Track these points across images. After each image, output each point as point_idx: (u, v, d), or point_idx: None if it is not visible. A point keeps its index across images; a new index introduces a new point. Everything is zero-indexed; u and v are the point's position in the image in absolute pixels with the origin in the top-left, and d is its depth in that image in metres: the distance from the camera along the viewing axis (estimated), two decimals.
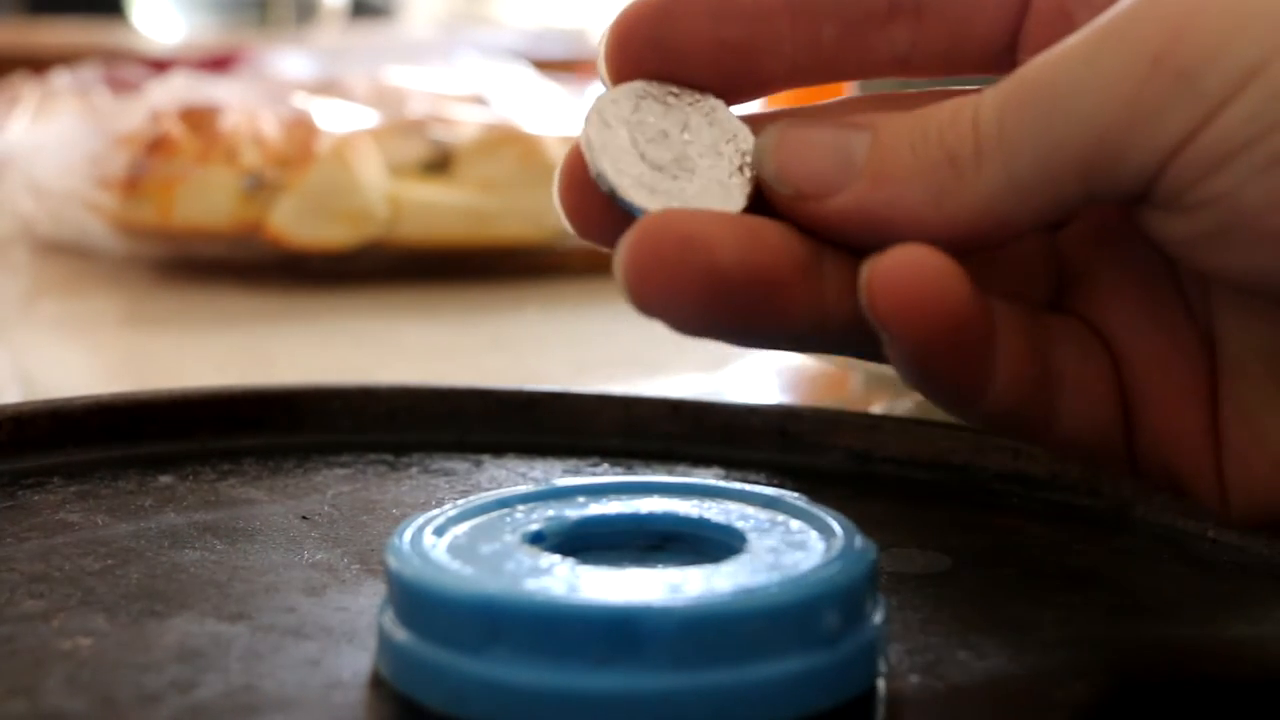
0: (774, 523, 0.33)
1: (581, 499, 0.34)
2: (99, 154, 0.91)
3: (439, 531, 0.32)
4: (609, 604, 0.29)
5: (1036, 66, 0.31)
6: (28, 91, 1.09)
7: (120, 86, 1.09)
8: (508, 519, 0.33)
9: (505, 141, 0.91)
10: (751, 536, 0.32)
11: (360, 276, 0.88)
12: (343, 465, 0.45)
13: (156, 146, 0.89)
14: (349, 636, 0.33)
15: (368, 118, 0.93)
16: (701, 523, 0.34)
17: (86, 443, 0.45)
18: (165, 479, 0.43)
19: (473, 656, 0.29)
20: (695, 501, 0.34)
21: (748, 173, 0.34)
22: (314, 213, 0.86)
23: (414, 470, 0.45)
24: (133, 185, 0.88)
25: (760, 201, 0.33)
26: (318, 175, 0.87)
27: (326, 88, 1.04)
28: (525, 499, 0.34)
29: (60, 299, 0.90)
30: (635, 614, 0.29)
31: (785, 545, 0.32)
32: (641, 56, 0.35)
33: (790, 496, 0.34)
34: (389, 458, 0.46)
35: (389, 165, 0.89)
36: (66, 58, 1.30)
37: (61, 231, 0.93)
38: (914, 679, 0.32)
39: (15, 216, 0.98)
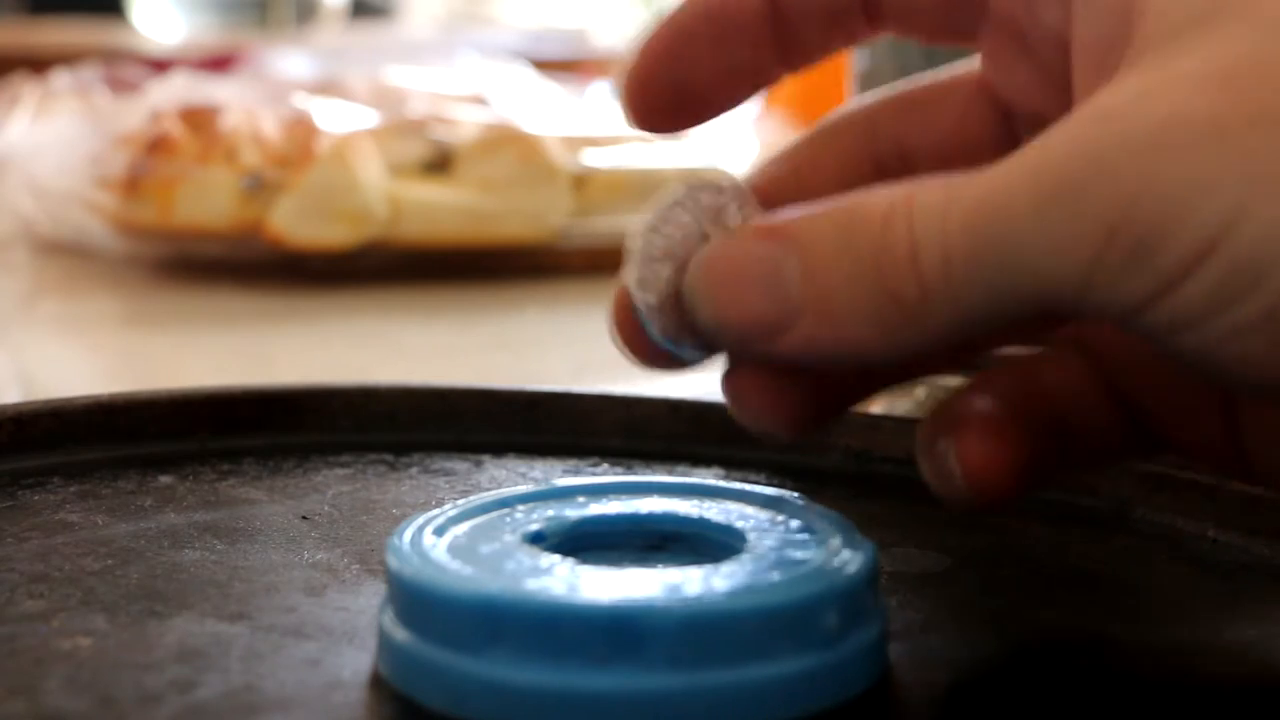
0: (774, 523, 0.33)
1: (582, 499, 0.34)
2: (99, 154, 0.91)
3: (439, 531, 0.32)
4: (609, 604, 0.29)
5: (980, 204, 0.30)
6: (28, 91, 1.09)
7: (120, 86, 1.09)
8: (508, 519, 0.33)
9: (505, 141, 0.91)
10: (752, 536, 0.32)
11: (360, 276, 0.88)
12: (343, 465, 0.45)
13: (156, 146, 0.89)
14: (349, 636, 0.33)
15: (368, 118, 0.93)
16: (702, 523, 0.34)
17: (86, 443, 0.45)
18: (165, 479, 0.43)
19: (473, 656, 0.29)
20: (695, 501, 0.34)
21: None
22: (314, 213, 0.86)
23: (414, 470, 0.45)
24: (133, 185, 0.88)
25: None
26: (318, 175, 0.87)
27: (326, 88, 1.04)
28: (525, 499, 0.34)
29: (60, 299, 0.91)
30: (635, 614, 0.29)
31: (785, 545, 0.32)
32: (658, 100, 0.36)
33: (790, 496, 0.34)
34: (389, 458, 0.46)
35: (389, 165, 0.89)
36: (66, 58, 1.30)
37: (61, 231, 0.93)
38: (914, 679, 0.32)
39: (15, 216, 0.98)
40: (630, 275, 0.33)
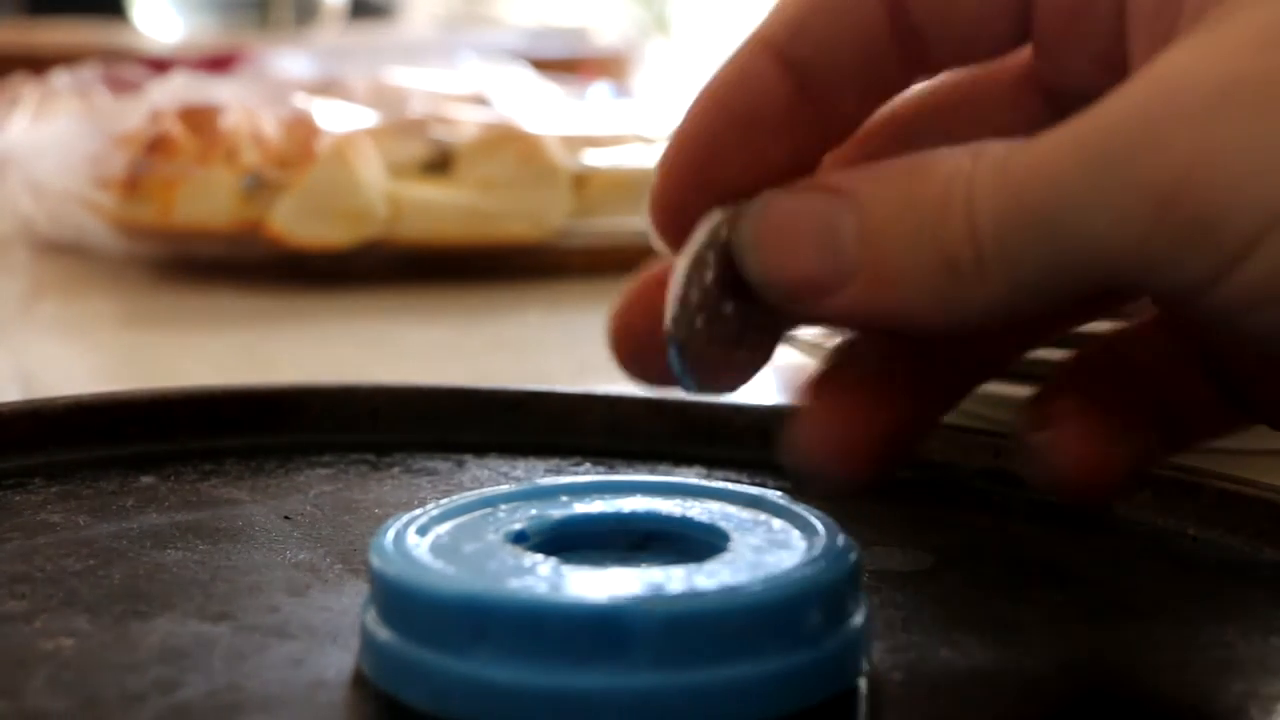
0: (757, 522, 0.33)
1: (564, 498, 0.34)
2: (99, 154, 0.91)
3: (422, 531, 0.32)
4: (592, 603, 0.29)
5: (1034, 173, 0.29)
6: (28, 91, 1.09)
7: (120, 86, 1.09)
8: (490, 518, 0.33)
9: (505, 141, 0.91)
10: (734, 535, 0.32)
11: (360, 276, 0.88)
12: (325, 465, 0.45)
13: (156, 146, 0.89)
14: (332, 636, 0.33)
15: (368, 118, 0.93)
16: (684, 522, 0.34)
17: (67, 443, 0.45)
18: (147, 479, 0.43)
19: (456, 656, 0.29)
20: (678, 500, 0.34)
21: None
22: (314, 212, 0.86)
23: (396, 470, 0.45)
24: (133, 185, 0.88)
25: None
26: (318, 175, 0.87)
27: (326, 88, 1.04)
28: (508, 498, 0.34)
29: (60, 299, 0.91)
30: (618, 613, 0.29)
31: (768, 544, 0.32)
32: (690, 200, 0.34)
33: (772, 495, 0.34)
34: (371, 457, 0.46)
35: (389, 165, 0.89)
36: (66, 58, 1.30)
37: (61, 231, 0.93)
38: (896, 677, 0.32)
39: (15, 216, 0.98)
40: (667, 313, 0.33)
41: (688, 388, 0.34)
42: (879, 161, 0.31)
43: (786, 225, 0.31)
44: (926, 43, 0.34)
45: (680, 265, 0.32)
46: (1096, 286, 0.29)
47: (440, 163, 0.91)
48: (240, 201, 0.87)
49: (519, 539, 0.32)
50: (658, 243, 0.35)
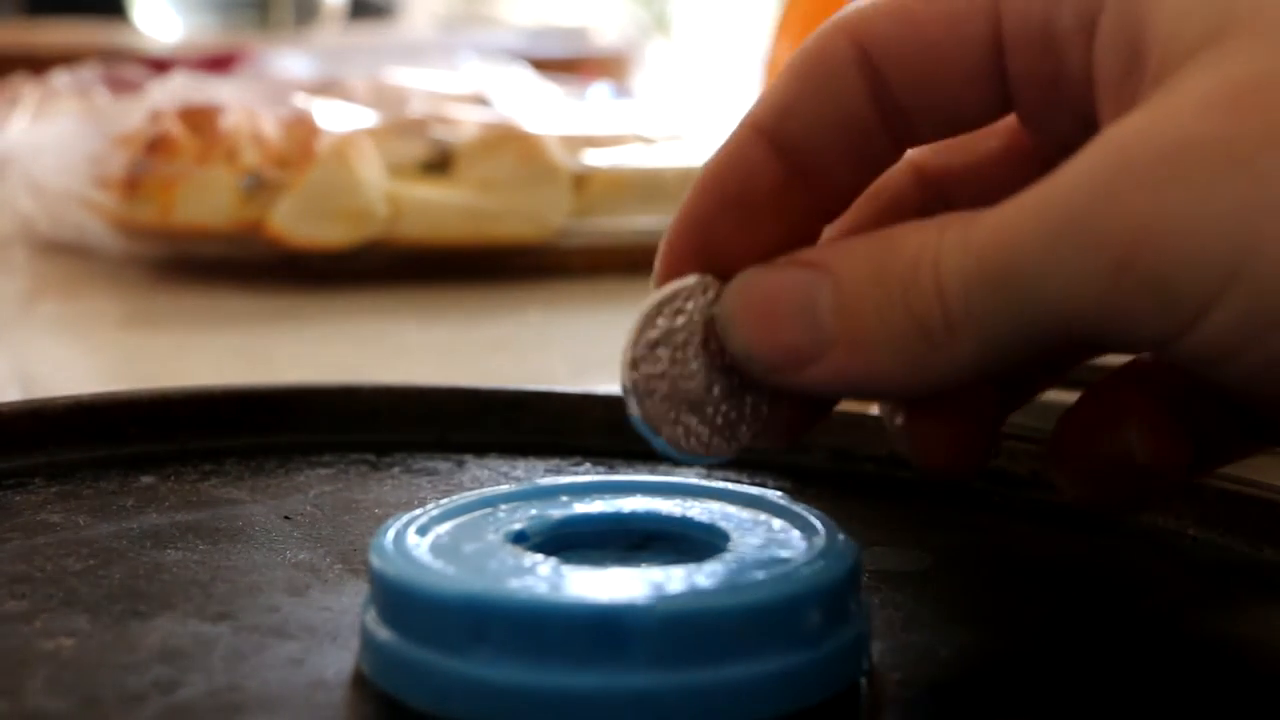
0: (756, 521, 0.33)
1: (564, 498, 0.34)
2: (99, 154, 0.91)
3: (422, 531, 0.32)
4: (592, 603, 0.29)
5: (996, 237, 0.30)
6: (28, 91, 1.09)
7: (120, 86, 1.09)
8: (490, 518, 0.33)
9: (505, 141, 0.91)
10: (734, 535, 0.32)
11: (360, 276, 0.88)
12: (325, 465, 0.45)
13: (156, 146, 0.89)
14: (332, 636, 0.33)
15: (368, 118, 0.93)
16: (684, 521, 0.34)
17: (68, 443, 0.45)
18: (147, 479, 0.43)
19: (456, 656, 0.29)
20: (678, 500, 0.35)
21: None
22: (314, 212, 0.86)
23: (396, 470, 0.45)
24: (133, 185, 0.88)
25: None
26: (318, 175, 0.87)
27: (326, 88, 1.04)
28: (508, 498, 0.34)
29: (60, 299, 0.90)
30: (618, 613, 0.29)
31: (767, 544, 0.32)
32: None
33: (772, 495, 0.34)
34: (371, 457, 0.46)
35: (389, 165, 0.89)
36: (66, 58, 1.30)
37: (61, 231, 0.93)
38: (896, 676, 0.32)
39: (15, 216, 0.98)
40: (624, 355, 0.34)
41: (655, 446, 0.34)
42: (852, 237, 0.32)
43: (766, 300, 0.32)
44: (911, 118, 0.35)
45: (634, 320, 0.34)
46: (1063, 343, 0.30)
47: (440, 163, 0.91)
48: (240, 201, 0.87)
49: (519, 539, 0.32)
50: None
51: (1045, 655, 0.33)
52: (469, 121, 0.93)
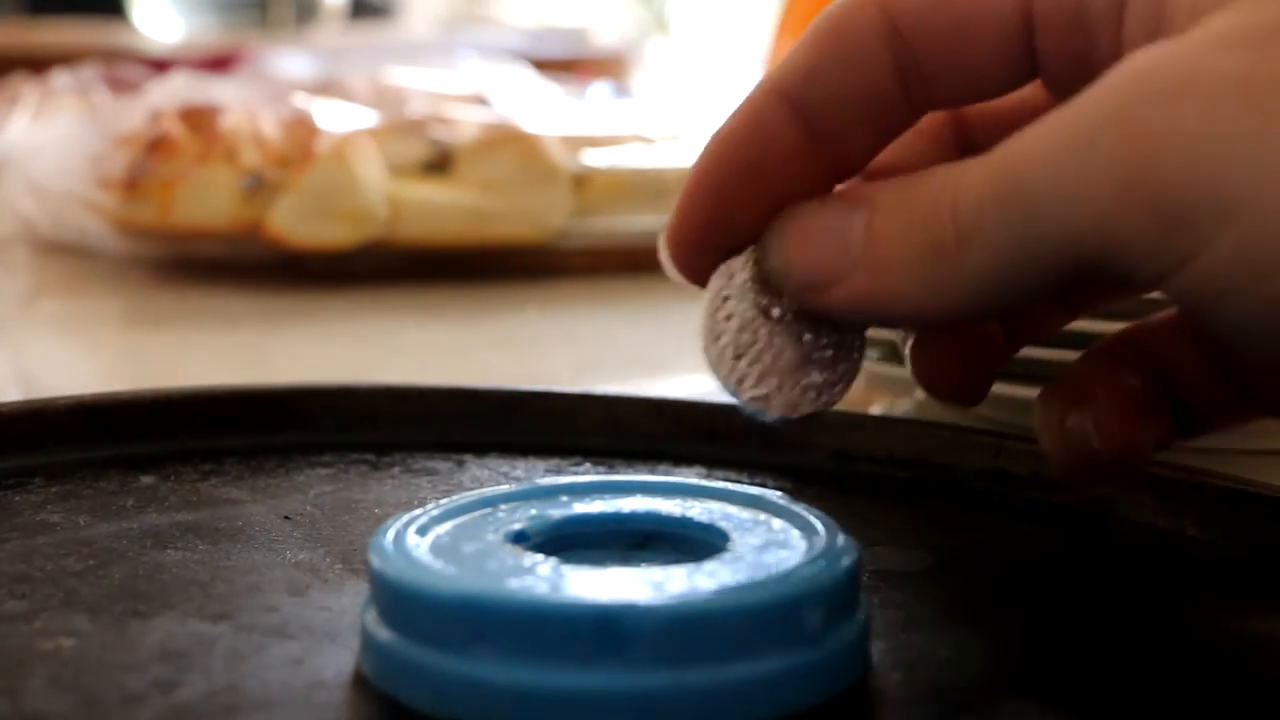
0: (756, 521, 0.33)
1: (564, 498, 0.34)
2: (99, 154, 0.91)
3: (422, 531, 0.32)
4: (592, 603, 0.29)
5: (1010, 157, 0.30)
6: (28, 91, 1.09)
7: (120, 86, 1.10)
8: (490, 518, 0.33)
9: (505, 141, 0.91)
10: (734, 535, 0.32)
11: (360, 276, 0.88)
12: (325, 465, 0.45)
13: (156, 146, 0.89)
14: (332, 636, 0.33)
15: (368, 118, 0.93)
16: (684, 521, 0.34)
17: (67, 443, 0.45)
18: (147, 479, 0.43)
19: (456, 656, 0.29)
20: (678, 500, 0.34)
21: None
22: (314, 213, 0.86)
23: (396, 470, 0.45)
24: (133, 185, 0.88)
25: None
26: (318, 175, 0.87)
27: (326, 88, 1.04)
28: (508, 498, 0.34)
29: (60, 299, 0.91)
30: (619, 613, 0.29)
31: (768, 544, 0.32)
32: (708, 259, 0.36)
33: (772, 495, 0.34)
34: (371, 458, 0.46)
35: (389, 165, 0.89)
36: (66, 58, 1.30)
37: (61, 231, 0.93)
38: (897, 676, 0.32)
39: (15, 216, 0.98)
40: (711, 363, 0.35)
41: (744, 409, 0.35)
42: (895, 177, 0.33)
43: (807, 224, 0.34)
44: (935, 89, 0.35)
45: (704, 306, 0.35)
46: (1071, 268, 0.30)
47: (440, 163, 0.91)
48: (240, 201, 0.87)
49: (519, 539, 0.32)
50: (674, 275, 0.36)
51: (1047, 655, 0.33)
52: (469, 121, 0.93)
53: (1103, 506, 0.42)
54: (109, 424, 0.46)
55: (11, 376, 0.73)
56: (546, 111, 0.99)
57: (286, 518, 0.40)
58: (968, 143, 0.38)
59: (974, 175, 0.31)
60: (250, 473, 0.44)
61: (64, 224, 0.92)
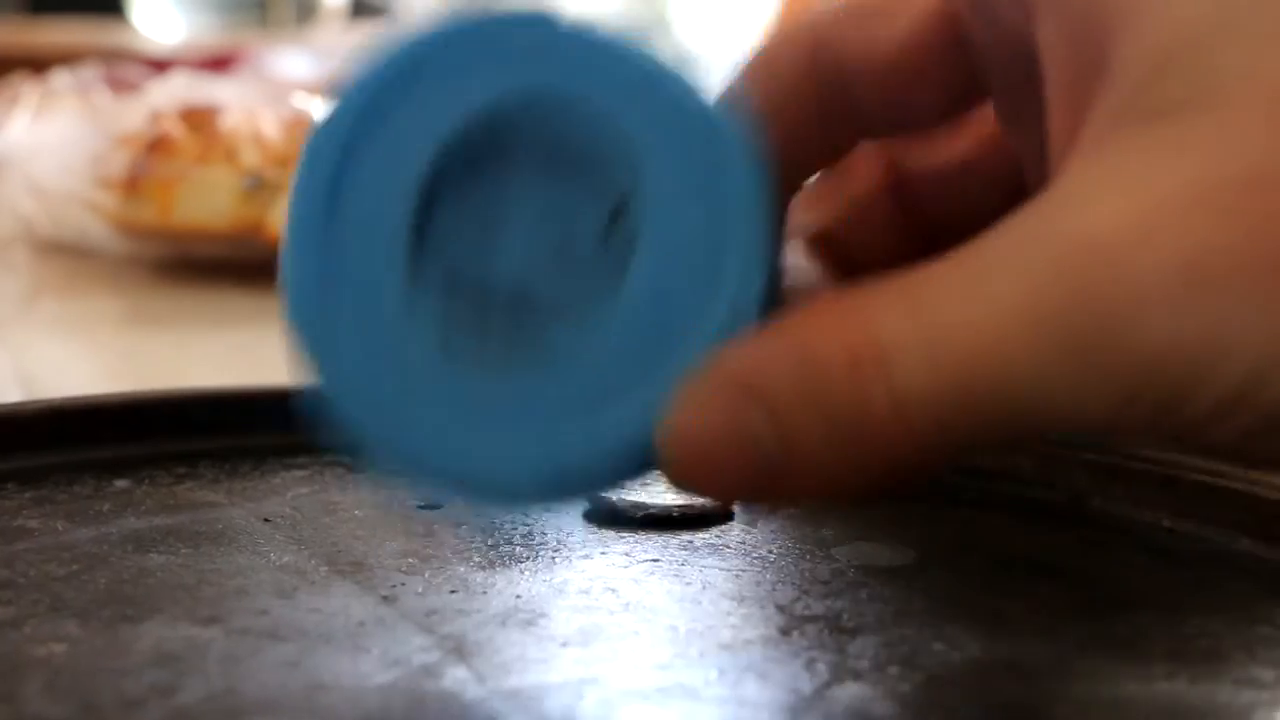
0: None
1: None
2: (99, 154, 0.91)
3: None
4: None
5: (971, 354, 0.27)
6: (28, 91, 1.09)
7: (120, 86, 1.09)
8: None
9: None
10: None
11: None
12: (300, 467, 0.45)
13: (156, 146, 0.89)
14: (326, 639, 0.32)
15: None
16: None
17: (38, 447, 0.45)
18: (121, 483, 0.43)
19: None
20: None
21: None
22: None
23: (373, 471, 0.45)
24: (133, 185, 0.88)
25: None
26: None
27: (326, 88, 1.04)
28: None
29: (60, 299, 0.91)
30: None
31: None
32: None
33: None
34: (347, 459, 0.45)
35: None
36: (66, 58, 1.30)
37: (61, 231, 0.93)
38: (893, 671, 0.31)
39: (15, 216, 0.98)
40: None
41: None
42: (772, 334, 0.29)
43: (705, 440, 0.29)
44: (872, 123, 0.35)
45: None
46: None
47: None
48: (240, 201, 0.87)
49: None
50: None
51: (1036, 647, 0.33)
52: None
53: (1079, 499, 0.42)
54: (79, 428, 0.46)
55: (11, 376, 0.73)
56: None
57: (266, 520, 0.40)
58: (910, 201, 0.37)
59: (916, 372, 0.27)
60: (226, 475, 0.44)
61: (64, 224, 0.92)
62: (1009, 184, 0.31)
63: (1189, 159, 0.26)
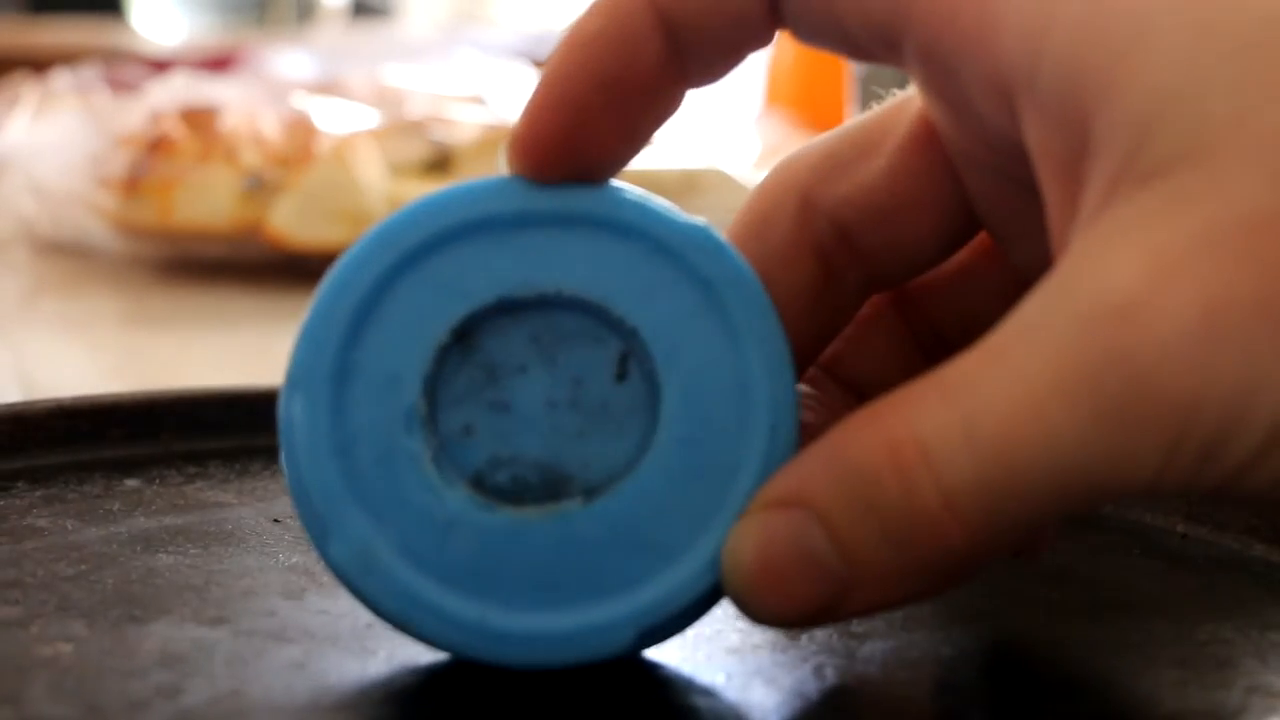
0: None
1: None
2: (99, 154, 0.91)
3: None
4: None
5: (1010, 431, 0.27)
6: (28, 91, 1.09)
7: (120, 86, 1.09)
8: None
9: (505, 141, 0.91)
10: None
11: None
12: None
13: (156, 146, 0.89)
14: (332, 640, 0.32)
15: (368, 118, 0.93)
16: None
17: (50, 446, 0.45)
18: (131, 483, 0.43)
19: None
20: None
21: None
22: (314, 213, 0.86)
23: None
24: (133, 185, 0.88)
25: None
26: (317, 175, 0.87)
27: (326, 88, 1.04)
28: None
29: (60, 299, 0.90)
30: None
31: None
32: (554, 169, 0.32)
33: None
34: None
35: (389, 165, 0.89)
36: (66, 58, 1.30)
37: (61, 231, 0.93)
38: (901, 675, 0.31)
39: (15, 216, 0.98)
40: None
41: None
42: (813, 451, 0.29)
43: (768, 564, 0.29)
44: (872, 267, 0.34)
45: None
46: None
47: (440, 163, 0.91)
48: (240, 201, 0.87)
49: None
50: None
51: (1046, 653, 0.33)
52: (469, 122, 0.93)
53: None
54: (90, 427, 0.46)
55: (11, 376, 0.73)
56: None
57: (276, 520, 0.40)
58: (915, 314, 0.36)
59: (958, 461, 0.27)
60: (235, 475, 0.44)
61: (64, 224, 0.92)
62: (1012, 289, 0.31)
63: (1191, 210, 0.26)
